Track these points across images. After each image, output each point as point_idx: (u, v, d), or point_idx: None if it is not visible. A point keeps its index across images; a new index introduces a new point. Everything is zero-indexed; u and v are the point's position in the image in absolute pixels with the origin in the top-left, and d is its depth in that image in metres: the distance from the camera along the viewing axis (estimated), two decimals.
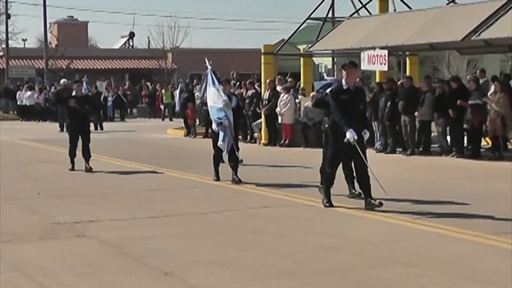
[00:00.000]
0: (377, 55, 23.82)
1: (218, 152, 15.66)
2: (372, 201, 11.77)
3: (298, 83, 29.55)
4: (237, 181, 15.33)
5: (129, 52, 57.30)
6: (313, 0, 29.00)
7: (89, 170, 17.33)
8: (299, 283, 8.24)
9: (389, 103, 22.03)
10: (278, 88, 25.50)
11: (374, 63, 24.14)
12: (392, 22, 25.82)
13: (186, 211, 12.64)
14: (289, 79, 28.15)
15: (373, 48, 23.82)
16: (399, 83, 24.06)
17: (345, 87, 11.99)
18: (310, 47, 28.60)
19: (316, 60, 45.29)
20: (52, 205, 13.64)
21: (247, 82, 28.34)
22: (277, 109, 24.94)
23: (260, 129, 26.53)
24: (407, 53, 28.52)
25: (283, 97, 24.95)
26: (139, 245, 10.14)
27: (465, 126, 20.67)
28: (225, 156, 15.75)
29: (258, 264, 9.01)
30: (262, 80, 27.29)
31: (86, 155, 17.62)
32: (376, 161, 16.92)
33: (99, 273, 8.51)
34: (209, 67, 16.03)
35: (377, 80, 26.29)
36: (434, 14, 24.13)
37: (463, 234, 10.75)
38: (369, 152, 15.14)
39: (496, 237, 10.77)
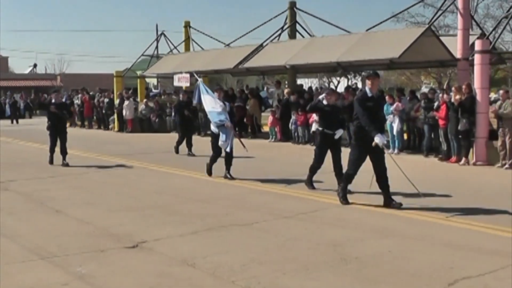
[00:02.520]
0: (183, 77, 32.60)
1: (217, 153, 15.96)
2: (394, 202, 11.78)
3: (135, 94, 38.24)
4: (229, 178, 15.76)
5: (34, 75, 75.56)
6: (147, 43, 40.53)
7: (66, 165, 18.55)
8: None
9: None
10: (125, 96, 34.82)
11: (181, 81, 33.05)
12: (193, 57, 34.75)
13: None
14: (130, 92, 36.48)
15: (181, 72, 32.65)
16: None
17: (369, 94, 11.75)
18: (143, 72, 38.39)
19: (148, 80, 53.02)
20: None
21: (106, 94, 38.15)
22: (123, 110, 34.17)
23: (114, 121, 36.21)
24: (202, 75, 32.93)
25: (127, 102, 34.30)
26: (41, 195, 13.47)
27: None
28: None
29: None
30: (115, 93, 36.99)
31: (64, 152, 18.82)
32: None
33: (19, 212, 11.55)
34: (199, 80, 16.90)
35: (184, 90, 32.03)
36: (218, 52, 32.82)
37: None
38: None
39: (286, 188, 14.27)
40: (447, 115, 19.42)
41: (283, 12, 30.62)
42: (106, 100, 37.67)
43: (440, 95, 20.56)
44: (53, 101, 19.70)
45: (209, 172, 16.36)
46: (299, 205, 12.32)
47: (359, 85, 49.36)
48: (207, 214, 11.57)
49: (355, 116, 12.00)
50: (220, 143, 15.56)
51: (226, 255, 8.66)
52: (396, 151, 21.56)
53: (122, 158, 20.68)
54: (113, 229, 10.35)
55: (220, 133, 15.56)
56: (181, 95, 24.09)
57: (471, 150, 19.05)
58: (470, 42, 21.33)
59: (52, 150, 19.11)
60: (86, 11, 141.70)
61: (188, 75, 32.41)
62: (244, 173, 16.56)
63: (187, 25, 37.87)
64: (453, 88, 20.04)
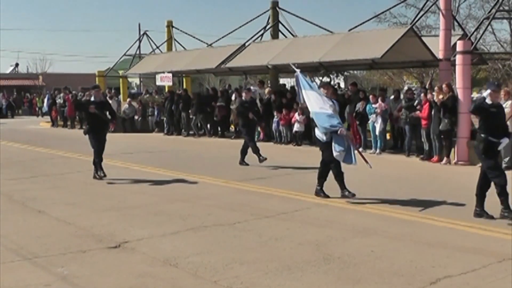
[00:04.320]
0: (165, 76, 33.05)
1: (327, 164, 12.81)
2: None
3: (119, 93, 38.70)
4: (351, 195, 12.76)
5: (16, 75, 74.88)
6: (129, 43, 40.63)
7: (100, 177, 16.11)
8: None
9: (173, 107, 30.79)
10: (108, 96, 33.49)
11: (164, 80, 33.57)
12: (175, 57, 34.73)
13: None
14: (113, 91, 37.44)
15: (163, 72, 32.95)
16: (178, 92, 32.60)
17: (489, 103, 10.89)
18: (126, 72, 38.41)
19: (130, 79, 54.34)
20: None
21: (87, 93, 38.67)
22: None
23: None
24: (184, 75, 37.96)
25: (111, 101, 30.70)
26: (23, 195, 13.46)
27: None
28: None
29: None
30: None
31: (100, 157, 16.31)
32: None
33: (1, 213, 11.57)
34: (297, 71, 13.48)
35: (167, 90, 35.47)
36: (200, 52, 32.64)
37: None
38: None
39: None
40: (429, 115, 19.48)
41: (265, 12, 30.65)
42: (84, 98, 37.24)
43: (422, 94, 20.61)
44: (92, 99, 16.55)
45: (324, 193, 12.99)
46: (282, 205, 12.34)
47: (342, 85, 49.66)
48: (189, 214, 11.57)
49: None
50: (335, 153, 12.39)
51: (208, 255, 8.66)
52: (378, 151, 21.65)
53: (104, 158, 20.52)
54: (96, 229, 10.32)
55: (333, 142, 12.48)
56: (244, 94, 20.55)
57: (452, 149, 19.07)
58: (452, 43, 21.40)
59: (98, 160, 16.30)
60: (68, 10, 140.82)
61: (170, 75, 32.76)
62: (226, 173, 16.59)
63: (170, 25, 37.98)
64: (435, 88, 20.10)
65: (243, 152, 19.02)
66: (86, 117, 16.96)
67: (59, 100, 40.72)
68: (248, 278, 7.58)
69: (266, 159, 18.42)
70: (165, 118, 32.98)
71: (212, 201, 12.78)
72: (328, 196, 12.87)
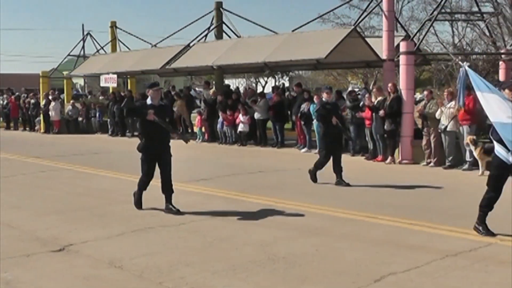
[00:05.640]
0: (110, 77, 32.45)
1: (496, 194, 9.76)
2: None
3: (62, 95, 38.39)
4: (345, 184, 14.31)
5: None
6: (74, 43, 39.70)
7: (174, 211, 11.62)
8: None
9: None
10: (51, 97, 34.63)
11: (108, 82, 33.04)
12: (120, 57, 34.51)
13: None
14: (56, 93, 36.58)
15: (108, 73, 32.44)
16: (123, 94, 32.43)
17: None
18: (70, 73, 37.69)
19: (75, 80, 53.25)
20: None
21: (31, 94, 38.03)
22: (50, 111, 34.08)
23: (40, 123, 35.91)
24: (129, 76, 37.45)
25: (53, 103, 34.20)
26: None
27: None
28: None
29: None
30: (41, 93, 36.67)
31: (168, 189, 11.87)
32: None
33: None
34: (465, 65, 10.50)
35: (111, 91, 34.92)
36: (145, 52, 32.59)
37: None
38: None
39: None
40: (373, 114, 19.60)
41: (209, 13, 30.72)
42: (32, 101, 37.41)
43: (367, 95, 20.79)
44: (149, 102, 11.84)
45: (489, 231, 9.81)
46: (228, 206, 12.33)
47: (287, 85, 49.80)
48: (134, 215, 11.51)
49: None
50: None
51: (153, 256, 8.62)
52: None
53: (49, 160, 20.41)
54: (40, 233, 10.19)
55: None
56: (324, 94, 15.64)
57: (396, 149, 19.27)
58: (396, 44, 21.64)
59: (144, 185, 12.16)
60: (11, 9, 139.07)
61: (115, 76, 32.42)
62: (172, 174, 16.51)
63: (113, 25, 37.63)
64: (374, 89, 20.35)
65: (318, 167, 15.30)
66: (141, 127, 12.22)
67: (1, 102, 40.27)
68: (194, 279, 7.56)
69: (341, 182, 14.89)
70: (109, 119, 32.74)
71: (157, 203, 12.68)
72: None
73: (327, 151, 15.04)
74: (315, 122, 21.54)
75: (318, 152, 15.94)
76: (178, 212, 11.47)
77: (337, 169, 14.88)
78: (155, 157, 11.75)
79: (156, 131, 11.55)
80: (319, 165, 15.11)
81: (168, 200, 11.77)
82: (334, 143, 15.10)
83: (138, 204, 11.99)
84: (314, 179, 14.95)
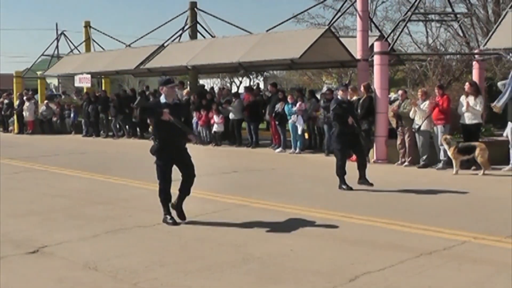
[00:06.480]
0: (84, 77, 32.62)
1: None
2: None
3: (36, 95, 38.20)
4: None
5: None
6: (48, 43, 39.41)
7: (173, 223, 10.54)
8: None
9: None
10: (25, 98, 34.67)
11: (82, 82, 33.13)
12: (94, 57, 34.53)
13: None
14: (30, 93, 36.44)
15: (82, 73, 32.56)
16: (97, 94, 32.44)
17: None
18: (44, 73, 37.84)
19: (49, 80, 53.61)
20: None
21: (5, 94, 37.88)
22: (24, 112, 34.13)
23: (13, 123, 36.04)
24: (103, 76, 37.48)
25: (27, 104, 34.33)
26: None
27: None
28: None
29: None
30: (14, 93, 36.75)
31: (184, 196, 10.86)
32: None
33: None
34: None
35: (85, 91, 34.96)
36: (119, 53, 32.62)
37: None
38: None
39: None
40: None
41: (184, 13, 30.78)
42: (6, 101, 37.27)
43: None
44: (163, 100, 10.70)
45: None
46: (202, 206, 12.29)
47: (261, 85, 49.75)
48: (109, 216, 11.47)
49: None
50: None
51: (128, 257, 8.59)
52: (297, 150, 21.82)
53: (23, 161, 20.29)
54: (13, 235, 10.10)
55: None
56: (340, 92, 14.93)
57: (371, 149, 19.34)
58: (370, 44, 21.74)
59: (166, 195, 10.78)
60: None
61: (89, 76, 32.44)
62: (145, 174, 16.46)
63: (87, 25, 37.58)
64: (349, 89, 20.43)
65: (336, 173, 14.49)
66: (155, 128, 11.03)
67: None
68: (168, 280, 7.54)
69: (351, 188, 14.12)
70: (83, 120, 32.70)
71: (132, 203, 12.70)
72: None
73: (342, 154, 14.39)
74: (291, 121, 21.61)
75: (334, 155, 14.96)
76: (174, 223, 10.54)
77: (361, 168, 14.34)
78: (172, 160, 10.61)
79: (171, 132, 10.43)
80: (340, 171, 14.26)
81: (179, 204, 10.78)
82: (350, 142, 14.46)
83: (172, 220, 10.60)
84: (348, 187, 13.99)
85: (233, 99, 25.74)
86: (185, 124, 10.79)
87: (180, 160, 10.61)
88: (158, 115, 10.39)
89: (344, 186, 14.02)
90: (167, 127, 10.35)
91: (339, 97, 14.85)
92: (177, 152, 10.58)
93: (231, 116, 25.12)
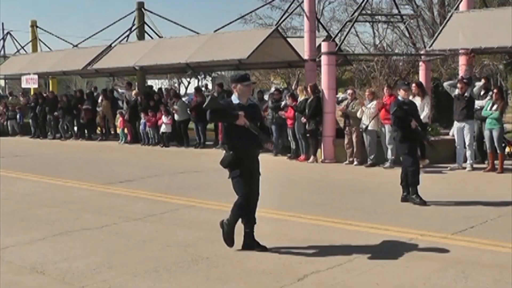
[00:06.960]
0: (31, 78, 32.64)
1: None
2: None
3: None
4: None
5: None
6: None
7: (260, 248, 8.85)
8: None
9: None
10: None
11: (29, 83, 33.06)
12: (41, 58, 34.46)
13: None
14: None
15: (29, 73, 32.52)
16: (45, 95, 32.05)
17: None
18: None
19: None
20: None
21: None
22: None
23: None
24: (50, 76, 36.82)
25: None
26: None
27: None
28: None
29: None
30: None
31: (252, 217, 9.03)
32: None
33: None
34: None
35: (32, 93, 34.06)
36: (66, 53, 32.38)
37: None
38: None
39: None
40: (295, 115, 19.79)
41: (131, 13, 30.71)
42: None
43: (288, 94, 20.98)
44: (236, 100, 8.91)
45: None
46: (149, 207, 12.29)
47: (210, 86, 49.72)
48: (56, 219, 11.37)
49: None
50: None
51: (76, 260, 8.53)
52: None
53: None
54: None
55: None
56: (402, 92, 12.82)
57: (319, 148, 19.48)
58: (317, 44, 21.89)
59: (244, 213, 8.99)
60: None
61: (36, 77, 32.33)
62: (93, 176, 16.40)
63: (34, 25, 37.25)
64: (298, 89, 20.56)
65: (409, 182, 12.54)
66: (226, 134, 9.05)
67: None
68: (117, 282, 7.52)
69: (425, 203, 12.11)
70: (31, 121, 32.30)
71: (80, 205, 12.60)
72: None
73: (414, 158, 12.71)
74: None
75: (402, 160, 13.05)
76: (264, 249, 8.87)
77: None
78: (249, 172, 8.80)
79: (247, 140, 8.70)
80: (414, 178, 12.43)
81: (252, 229, 8.99)
82: (414, 148, 12.87)
83: (230, 240, 8.89)
84: (423, 202, 12.08)
85: (174, 100, 25.61)
86: (261, 130, 8.94)
87: (253, 176, 8.93)
88: (233, 118, 8.65)
89: (417, 200, 12.18)
90: (241, 133, 8.66)
91: (399, 97, 12.90)
92: (253, 165, 8.91)
93: (176, 117, 25.03)
